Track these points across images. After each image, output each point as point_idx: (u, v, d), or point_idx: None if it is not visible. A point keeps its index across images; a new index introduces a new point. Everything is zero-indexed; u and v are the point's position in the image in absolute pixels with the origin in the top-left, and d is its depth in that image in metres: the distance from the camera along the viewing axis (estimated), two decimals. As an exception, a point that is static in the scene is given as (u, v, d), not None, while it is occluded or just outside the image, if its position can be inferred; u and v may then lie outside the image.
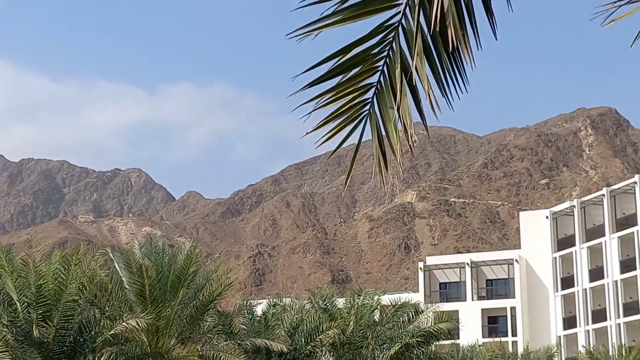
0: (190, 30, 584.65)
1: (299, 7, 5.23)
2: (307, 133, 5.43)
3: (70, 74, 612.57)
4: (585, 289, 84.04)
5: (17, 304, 29.76)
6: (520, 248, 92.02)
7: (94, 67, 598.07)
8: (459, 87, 5.32)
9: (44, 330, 29.25)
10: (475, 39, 5.18)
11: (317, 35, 5.30)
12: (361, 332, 42.23)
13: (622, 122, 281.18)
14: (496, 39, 5.26)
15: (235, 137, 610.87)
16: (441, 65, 5.28)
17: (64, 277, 29.62)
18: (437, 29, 5.04)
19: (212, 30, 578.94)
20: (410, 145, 5.37)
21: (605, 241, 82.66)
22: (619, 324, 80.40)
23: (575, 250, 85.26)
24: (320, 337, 38.75)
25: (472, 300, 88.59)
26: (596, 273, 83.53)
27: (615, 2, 7.34)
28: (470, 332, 74.28)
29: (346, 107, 5.47)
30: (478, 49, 5.19)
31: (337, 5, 5.22)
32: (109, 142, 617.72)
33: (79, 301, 29.98)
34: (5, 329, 29.27)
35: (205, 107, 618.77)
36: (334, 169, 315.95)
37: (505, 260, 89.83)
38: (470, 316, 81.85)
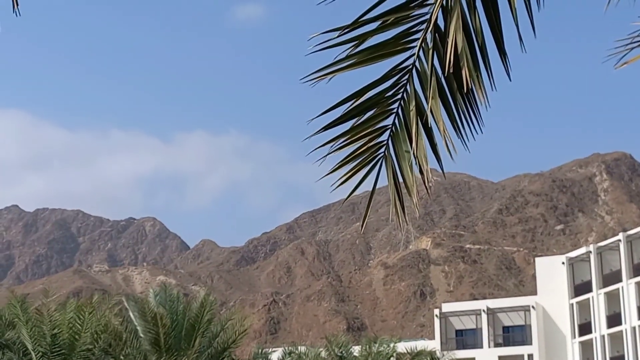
0: (204, 78, 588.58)
1: (313, 52, 5.26)
2: (323, 176, 5.43)
3: (86, 123, 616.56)
4: (603, 335, 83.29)
5: (32, 353, 29.70)
6: (536, 294, 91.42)
7: (109, 116, 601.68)
8: (474, 129, 5.32)
9: (58, 379, 29.13)
10: (490, 80, 5.19)
11: (331, 79, 5.32)
12: (377, 379, 41.93)
13: (637, 167, 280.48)
14: (510, 80, 5.27)
15: (249, 185, 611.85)
16: (456, 107, 5.29)
17: (78, 326, 29.57)
18: (451, 71, 5.06)
19: (225, 78, 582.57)
20: (426, 187, 5.37)
21: (622, 287, 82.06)
22: (638, 371, 79.55)
23: (592, 296, 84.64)
24: (336, 385, 38.48)
25: (489, 347, 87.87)
26: (614, 319, 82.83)
27: (627, 45, 7.36)
28: (488, 380, 73.60)
29: (361, 150, 5.48)
30: (492, 89, 5.21)
31: (350, 49, 5.25)
32: (123, 191, 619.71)
33: (94, 350, 29.90)
34: (20, 379, 29.18)
35: (219, 155, 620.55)
36: (348, 216, 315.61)
37: (521, 306, 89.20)
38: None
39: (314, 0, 5.42)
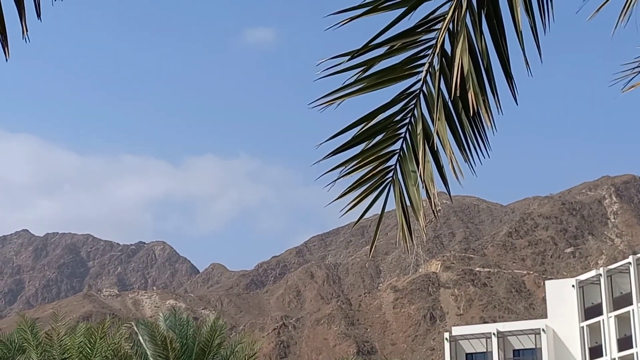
0: (214, 102, 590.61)
1: (322, 77, 5.31)
2: (332, 201, 5.47)
3: (96, 147, 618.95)
4: (614, 359, 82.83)
5: (42, 378, 29.70)
6: (547, 317, 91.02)
7: (119, 141, 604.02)
8: (481, 152, 5.35)
9: (68, 404, 29.12)
10: (496, 103, 5.23)
11: (340, 103, 5.37)
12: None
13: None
14: (517, 104, 5.30)
15: (259, 208, 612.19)
16: (462, 131, 5.33)
17: (88, 350, 29.57)
18: (458, 94, 5.10)
19: (235, 102, 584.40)
20: (433, 211, 5.40)
21: (633, 309, 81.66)
22: (650, 394, 79.03)
23: (603, 319, 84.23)
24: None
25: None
26: (625, 342, 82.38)
27: (634, 69, 7.40)
28: (498, 404, 73.20)
29: (370, 174, 5.52)
30: (499, 113, 5.24)
31: (359, 74, 5.29)
32: (133, 215, 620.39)
33: (104, 375, 29.87)
34: (29, 404, 29.17)
35: (230, 178, 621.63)
36: (357, 240, 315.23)
37: (532, 330, 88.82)
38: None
39: (323, 25, 5.48)
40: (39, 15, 4.23)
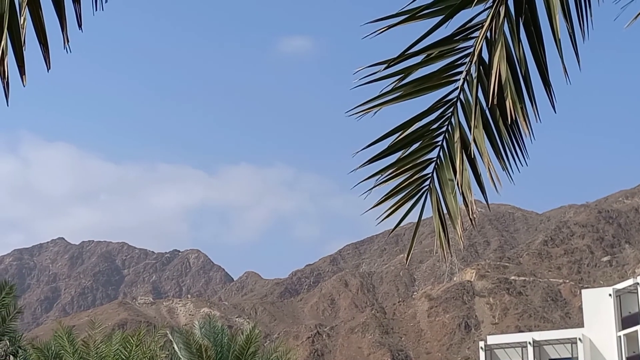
0: (250, 111, 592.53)
1: (359, 86, 5.31)
2: (368, 210, 5.46)
3: (132, 157, 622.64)
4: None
5: (78, 385, 29.88)
6: (583, 326, 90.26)
7: (156, 150, 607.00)
8: (519, 161, 5.32)
9: (104, 411, 29.28)
10: (534, 111, 5.20)
11: (376, 112, 5.36)
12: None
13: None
14: (555, 112, 5.27)
15: (294, 217, 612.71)
16: (500, 139, 5.30)
17: (124, 358, 29.72)
18: (495, 102, 5.08)
19: (271, 110, 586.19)
20: (471, 219, 5.38)
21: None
22: (689, 405, 78.12)
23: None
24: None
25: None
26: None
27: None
28: (534, 413, 72.65)
29: (406, 183, 5.51)
30: (537, 121, 5.21)
31: (395, 82, 5.29)
32: (168, 223, 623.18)
33: (139, 382, 30.00)
34: (66, 411, 29.36)
35: (265, 187, 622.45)
36: (392, 248, 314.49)
37: (568, 339, 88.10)
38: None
39: (360, 33, 5.48)
40: (80, 26, 4.26)
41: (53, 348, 33.02)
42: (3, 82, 4.28)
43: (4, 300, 25.52)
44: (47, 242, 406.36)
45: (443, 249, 5.51)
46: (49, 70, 4.24)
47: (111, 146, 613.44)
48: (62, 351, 30.56)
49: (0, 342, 26.42)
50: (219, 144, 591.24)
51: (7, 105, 4.34)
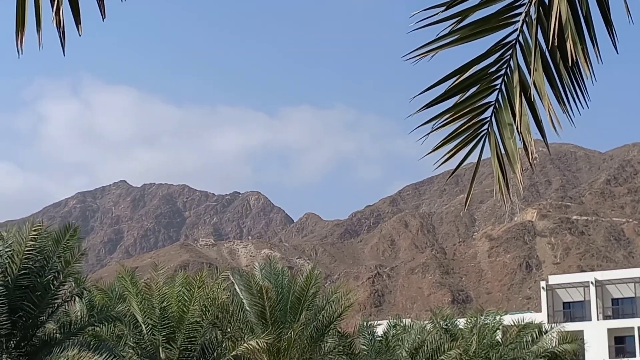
0: (310, 54, 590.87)
1: (416, 29, 5.22)
2: (426, 154, 5.41)
3: (194, 100, 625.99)
4: None
5: (142, 325, 30.42)
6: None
7: (216, 93, 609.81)
8: (580, 103, 5.22)
9: (168, 351, 29.80)
10: (595, 52, 5.07)
11: (433, 56, 5.28)
12: (484, 352, 41.70)
13: None
14: (617, 52, 5.14)
15: (355, 159, 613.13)
16: (560, 81, 5.20)
17: (187, 299, 30.15)
18: (556, 44, 4.96)
19: (331, 53, 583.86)
20: (530, 163, 5.30)
21: None
22: None
23: None
24: (442, 357, 38.35)
25: (598, 320, 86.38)
26: None
27: None
28: (596, 353, 72.47)
29: (464, 127, 5.44)
30: (598, 62, 5.09)
31: (453, 25, 5.19)
32: (229, 165, 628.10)
33: (202, 323, 30.45)
34: (131, 350, 29.94)
35: (326, 129, 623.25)
36: (451, 189, 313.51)
37: (631, 278, 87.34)
38: (595, 337, 79.81)
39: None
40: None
41: (117, 290, 33.63)
42: (60, 32, 4.29)
43: (68, 243, 25.96)
44: (110, 184, 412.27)
45: (502, 194, 5.45)
46: (104, 20, 4.24)
47: (172, 89, 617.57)
48: (126, 292, 31.10)
49: (66, 283, 26.93)
50: (279, 86, 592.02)
51: (64, 55, 4.36)
